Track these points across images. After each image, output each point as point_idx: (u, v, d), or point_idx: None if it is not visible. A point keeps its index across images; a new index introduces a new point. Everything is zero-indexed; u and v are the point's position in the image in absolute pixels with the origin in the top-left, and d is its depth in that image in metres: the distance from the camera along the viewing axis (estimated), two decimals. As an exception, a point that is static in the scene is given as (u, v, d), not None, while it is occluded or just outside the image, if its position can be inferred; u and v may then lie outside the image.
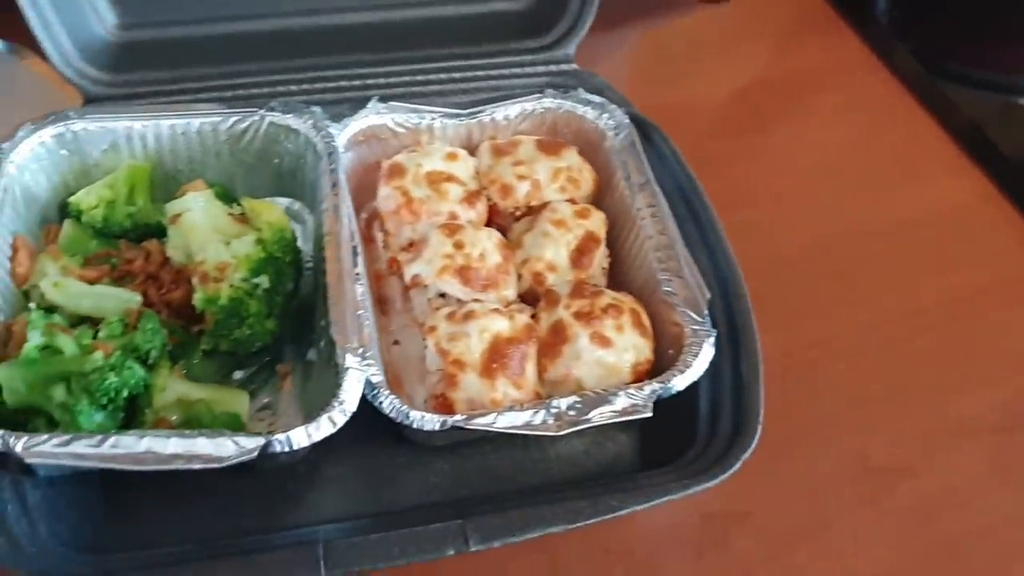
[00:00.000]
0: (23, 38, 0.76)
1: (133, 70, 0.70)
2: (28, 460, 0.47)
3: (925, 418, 0.66)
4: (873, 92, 0.87)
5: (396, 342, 0.65)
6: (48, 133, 0.63)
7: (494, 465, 0.60)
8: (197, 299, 0.58)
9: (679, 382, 0.56)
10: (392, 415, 0.54)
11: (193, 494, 0.56)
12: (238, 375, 0.61)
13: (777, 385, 0.59)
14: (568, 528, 0.51)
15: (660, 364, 0.59)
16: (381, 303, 0.67)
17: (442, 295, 0.62)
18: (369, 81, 0.71)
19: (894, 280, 0.74)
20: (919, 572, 0.58)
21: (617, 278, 0.66)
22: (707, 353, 0.57)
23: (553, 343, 0.60)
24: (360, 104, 0.68)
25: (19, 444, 0.48)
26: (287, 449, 0.50)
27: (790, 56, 0.91)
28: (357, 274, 0.59)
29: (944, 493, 0.62)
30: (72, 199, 0.63)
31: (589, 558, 0.57)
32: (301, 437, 0.51)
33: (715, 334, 0.58)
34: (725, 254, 0.65)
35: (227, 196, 0.65)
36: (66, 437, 0.49)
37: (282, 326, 0.61)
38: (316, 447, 0.56)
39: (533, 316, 0.62)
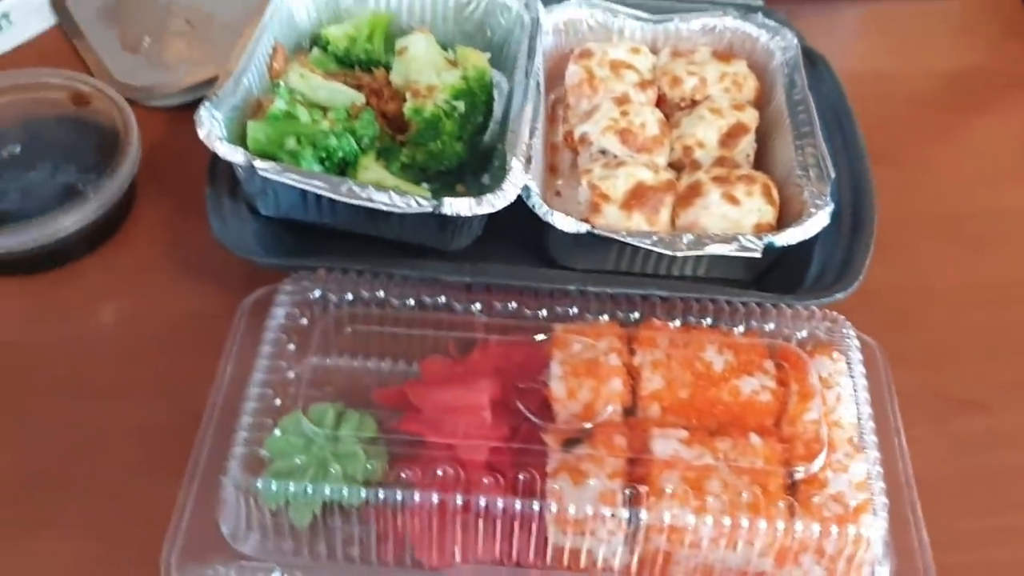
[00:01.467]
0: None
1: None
2: (261, 174, 0.62)
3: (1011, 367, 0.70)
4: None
5: (558, 193, 0.76)
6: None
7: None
8: (407, 107, 0.71)
9: (790, 236, 0.64)
10: (540, 213, 0.65)
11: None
12: (424, 186, 0.74)
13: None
14: (670, 294, 0.62)
15: (781, 234, 0.68)
16: (551, 169, 0.79)
17: (603, 152, 0.73)
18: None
19: (1001, 252, 0.77)
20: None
21: (760, 168, 0.74)
22: (822, 219, 0.65)
23: (688, 197, 0.69)
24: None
25: (256, 161, 0.62)
26: (453, 213, 0.62)
27: (982, 55, 0.96)
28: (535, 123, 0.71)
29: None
30: (324, 31, 0.78)
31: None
32: (464, 207, 0.63)
33: (832, 206, 0.66)
34: (861, 163, 0.73)
35: (444, 47, 0.78)
36: (289, 167, 0.63)
37: (467, 153, 0.74)
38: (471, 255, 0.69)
39: (677, 179, 0.71)
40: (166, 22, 0.87)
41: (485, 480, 0.55)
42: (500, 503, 0.54)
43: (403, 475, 0.54)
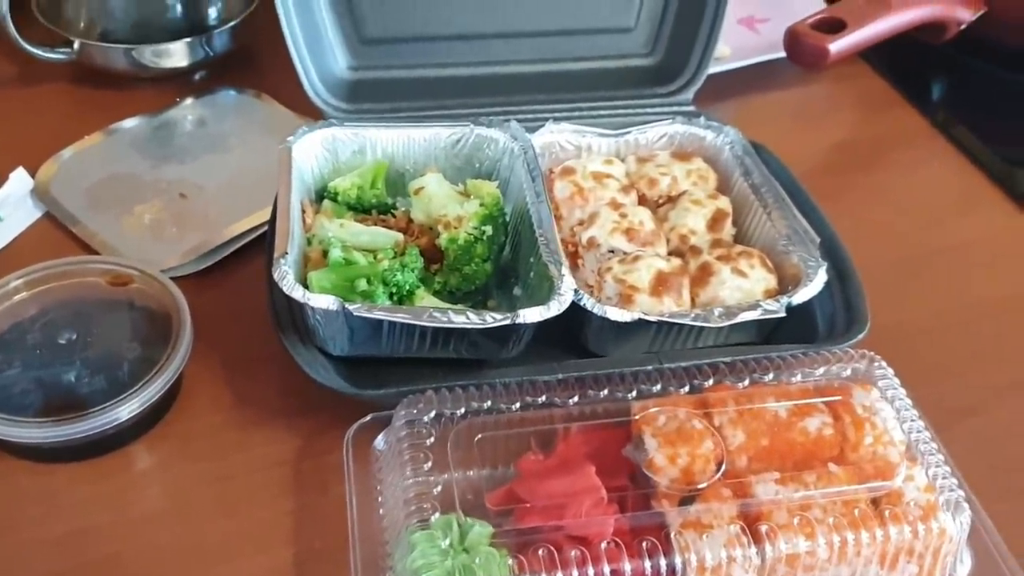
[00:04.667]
0: (258, 86, 1.06)
1: (362, 101, 0.93)
2: (356, 314, 0.67)
3: (989, 373, 0.83)
4: (934, 157, 1.08)
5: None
6: (319, 135, 0.85)
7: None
8: (443, 239, 0.78)
9: (803, 294, 0.75)
10: (595, 311, 0.73)
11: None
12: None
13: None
14: (734, 358, 0.72)
15: (783, 297, 0.78)
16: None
17: (612, 251, 0.82)
18: (539, 116, 0.93)
19: (946, 282, 0.92)
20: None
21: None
22: (822, 276, 0.77)
23: (702, 277, 0.79)
24: (533, 130, 0.91)
25: (348, 305, 0.67)
26: (525, 322, 0.69)
27: (866, 125, 1.13)
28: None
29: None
30: (331, 184, 0.85)
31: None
32: (534, 315, 0.70)
33: (826, 264, 0.77)
34: (826, 227, 0.85)
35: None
36: (374, 305, 0.69)
37: (492, 273, 0.81)
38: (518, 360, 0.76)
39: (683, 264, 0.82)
40: (160, 198, 0.91)
41: (613, 551, 0.62)
42: (648, 565, 0.60)
43: (541, 562, 0.59)
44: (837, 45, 1.00)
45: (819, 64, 1.02)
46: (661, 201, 0.89)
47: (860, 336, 0.75)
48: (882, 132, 1.10)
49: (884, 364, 0.72)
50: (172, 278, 0.79)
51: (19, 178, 0.89)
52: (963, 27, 1.11)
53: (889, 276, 0.89)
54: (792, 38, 1.02)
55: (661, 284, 0.78)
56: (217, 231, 0.87)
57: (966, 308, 0.89)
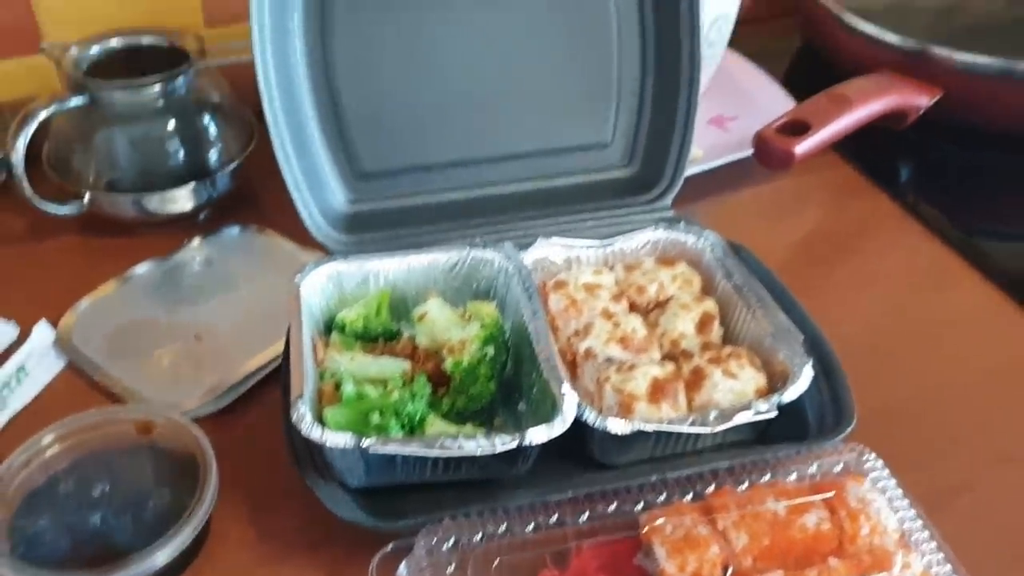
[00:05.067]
0: (260, 220, 1.11)
1: (362, 231, 0.98)
2: (371, 451, 0.71)
3: (976, 448, 0.88)
4: (906, 238, 1.14)
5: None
6: (324, 270, 0.90)
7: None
8: (448, 363, 0.83)
9: (792, 392, 0.79)
10: (596, 424, 0.77)
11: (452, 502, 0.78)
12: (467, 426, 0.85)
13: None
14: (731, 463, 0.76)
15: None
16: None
17: (609, 360, 0.87)
18: (529, 231, 0.98)
19: (926, 361, 0.97)
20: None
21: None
22: (808, 373, 0.81)
23: (695, 381, 0.84)
24: (526, 246, 0.96)
25: (365, 442, 0.71)
26: (532, 443, 0.73)
27: (838, 213, 1.19)
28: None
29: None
30: (339, 316, 0.89)
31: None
32: (540, 435, 0.74)
33: (811, 361, 0.82)
34: (808, 323, 0.90)
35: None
36: (388, 439, 0.73)
37: (496, 390, 0.85)
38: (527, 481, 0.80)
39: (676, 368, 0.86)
40: (177, 341, 0.95)
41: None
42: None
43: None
44: (803, 147, 1.06)
45: (786, 166, 1.08)
46: (651, 307, 0.93)
47: (848, 430, 0.79)
48: (854, 218, 1.16)
49: (872, 456, 0.76)
50: (194, 419, 0.84)
51: (42, 331, 0.94)
52: (922, 112, 1.18)
53: (870, 361, 0.93)
54: (760, 143, 1.09)
55: (658, 391, 0.82)
56: (233, 370, 0.91)
57: (948, 385, 0.94)
